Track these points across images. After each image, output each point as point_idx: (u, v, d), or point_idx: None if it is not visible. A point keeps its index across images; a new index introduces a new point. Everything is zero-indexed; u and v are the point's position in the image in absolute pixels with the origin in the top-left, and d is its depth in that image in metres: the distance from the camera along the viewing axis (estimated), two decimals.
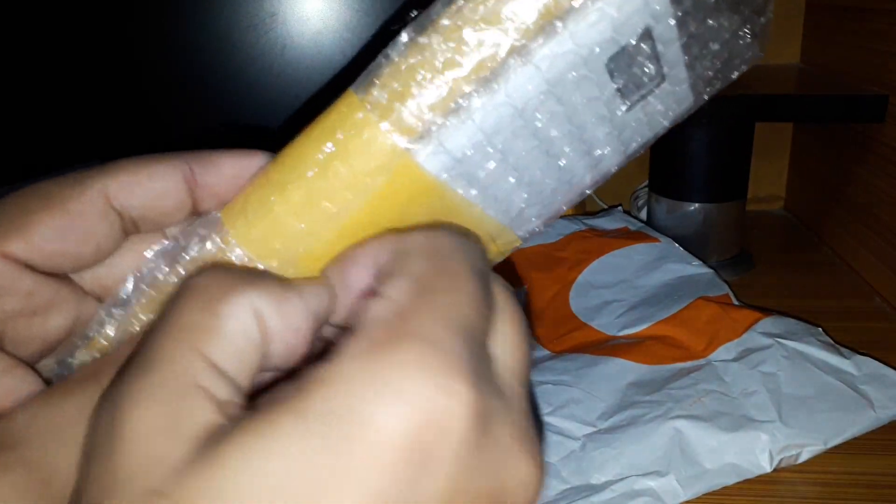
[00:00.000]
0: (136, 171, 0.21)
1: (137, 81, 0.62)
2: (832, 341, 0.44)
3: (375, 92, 0.18)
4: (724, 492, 0.36)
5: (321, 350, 0.17)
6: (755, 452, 0.36)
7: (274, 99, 0.61)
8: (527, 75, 0.18)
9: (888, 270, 0.55)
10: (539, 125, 0.19)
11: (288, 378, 0.15)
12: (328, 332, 0.19)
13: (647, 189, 0.66)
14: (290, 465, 0.13)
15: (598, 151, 0.21)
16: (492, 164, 0.19)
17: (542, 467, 0.16)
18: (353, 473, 0.13)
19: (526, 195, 0.21)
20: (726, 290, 0.50)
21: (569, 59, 0.18)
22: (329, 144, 0.18)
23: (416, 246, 0.17)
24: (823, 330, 0.45)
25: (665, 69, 0.20)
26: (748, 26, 0.20)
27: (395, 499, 0.13)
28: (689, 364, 0.43)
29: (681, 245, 0.55)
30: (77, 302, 0.21)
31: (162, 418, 0.14)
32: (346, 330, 0.15)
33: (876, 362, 0.41)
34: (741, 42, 0.21)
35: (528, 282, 0.54)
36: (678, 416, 0.38)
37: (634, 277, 0.53)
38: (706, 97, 0.22)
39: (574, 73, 0.18)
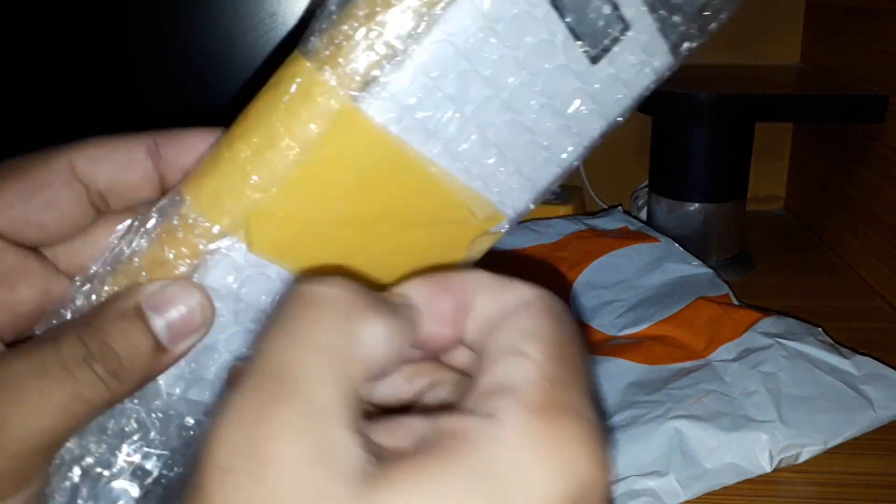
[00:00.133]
0: (101, 145, 0.21)
1: (137, 81, 0.62)
2: (832, 341, 0.44)
3: (316, 44, 0.18)
4: (724, 492, 0.36)
5: None
6: (755, 452, 0.36)
7: None
8: (461, 9, 0.18)
9: (888, 270, 0.55)
10: (489, 70, 0.19)
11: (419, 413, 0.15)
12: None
13: (647, 189, 0.66)
14: None
15: (571, 110, 0.21)
16: (446, 115, 0.19)
17: None
18: None
19: (495, 157, 0.20)
20: (726, 290, 0.50)
21: None
22: (274, 99, 0.19)
23: (535, 302, 0.17)
24: (823, 330, 0.45)
25: (625, 13, 0.20)
26: None
27: None
28: (689, 364, 0.43)
29: (681, 245, 0.55)
30: (47, 276, 0.22)
31: (313, 449, 0.13)
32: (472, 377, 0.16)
33: (876, 362, 0.41)
34: None
35: (528, 282, 0.54)
36: (678, 416, 0.38)
37: (634, 277, 0.53)
38: (685, 51, 0.21)
39: (513, 8, 0.18)
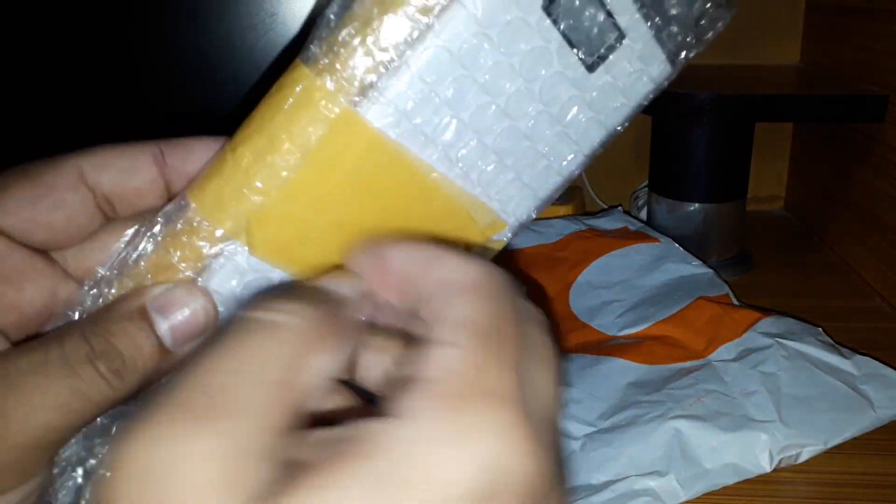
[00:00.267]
0: (108, 152, 0.22)
1: (137, 82, 0.62)
2: (832, 341, 0.44)
3: (316, 52, 0.18)
4: (724, 492, 0.36)
5: None
6: (755, 452, 0.36)
7: None
8: (456, 16, 0.18)
9: (888, 270, 0.55)
10: (485, 76, 0.19)
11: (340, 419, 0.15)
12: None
13: (647, 189, 0.66)
14: None
15: (569, 117, 0.21)
16: (443, 121, 0.19)
17: None
18: None
19: (494, 164, 0.21)
20: (726, 290, 0.50)
21: None
22: (276, 105, 0.19)
23: (466, 282, 0.16)
24: (823, 330, 0.45)
25: (620, 22, 0.20)
26: None
27: None
28: (689, 364, 0.43)
29: (681, 245, 0.55)
30: (54, 278, 0.22)
31: (224, 473, 0.13)
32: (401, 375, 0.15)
33: (876, 362, 0.41)
34: None
35: (528, 282, 0.54)
36: (678, 416, 0.38)
37: (634, 277, 0.53)
38: (682, 61, 0.22)
39: (506, 15, 0.18)
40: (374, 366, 0.21)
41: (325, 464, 0.13)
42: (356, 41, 0.18)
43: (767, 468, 0.36)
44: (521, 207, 0.22)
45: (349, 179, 0.19)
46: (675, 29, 0.21)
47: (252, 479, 0.13)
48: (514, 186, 0.21)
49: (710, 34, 0.21)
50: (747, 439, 0.37)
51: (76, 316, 0.21)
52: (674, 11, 0.21)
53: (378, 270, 0.18)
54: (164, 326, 0.20)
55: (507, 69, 0.19)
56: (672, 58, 0.22)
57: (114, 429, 0.21)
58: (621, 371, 0.43)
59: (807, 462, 0.37)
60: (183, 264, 0.20)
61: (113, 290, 0.21)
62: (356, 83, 0.18)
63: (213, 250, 0.20)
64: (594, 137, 0.22)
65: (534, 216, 0.23)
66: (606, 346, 0.46)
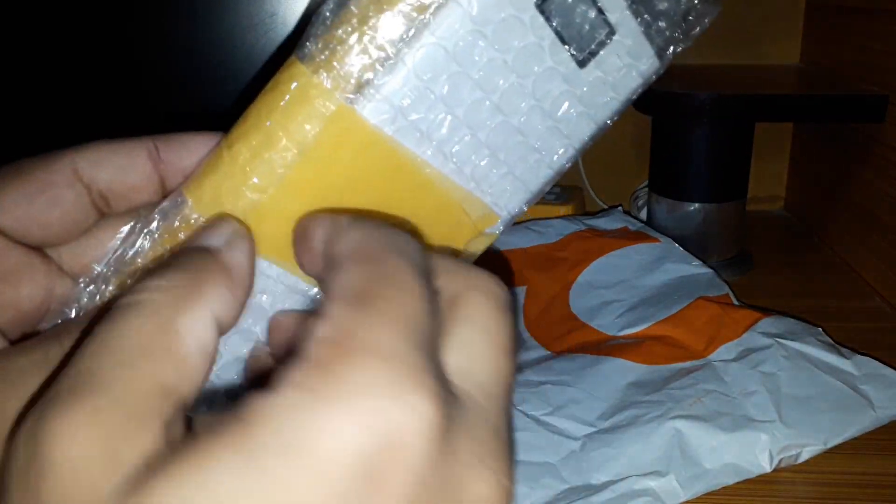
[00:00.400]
0: (103, 148, 0.22)
1: (137, 82, 0.62)
2: (832, 341, 0.44)
3: (312, 49, 0.19)
4: (724, 492, 0.36)
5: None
6: (755, 452, 0.36)
7: None
8: (451, 14, 0.18)
9: (888, 270, 0.55)
10: (479, 73, 0.19)
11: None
12: None
13: (647, 189, 0.66)
14: (227, 500, 0.12)
15: (560, 112, 0.21)
16: (438, 117, 0.19)
17: (507, 487, 0.14)
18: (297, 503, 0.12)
19: (488, 158, 0.21)
20: (726, 290, 0.50)
21: None
22: (272, 102, 0.19)
23: (347, 250, 0.16)
24: (823, 330, 0.45)
25: (610, 18, 0.20)
26: None
27: None
28: (688, 364, 0.43)
29: (681, 245, 0.55)
30: (50, 276, 0.22)
31: (101, 445, 0.13)
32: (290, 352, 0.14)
33: (876, 362, 0.41)
34: None
35: (528, 282, 0.54)
36: (678, 416, 0.38)
37: (634, 277, 0.53)
38: (670, 56, 0.22)
39: (501, 12, 0.19)
40: None
41: (205, 438, 0.13)
42: (352, 38, 0.18)
43: (767, 468, 0.36)
44: (513, 201, 0.22)
45: (345, 176, 0.20)
46: (663, 24, 0.21)
47: (129, 455, 0.13)
48: (507, 180, 0.22)
49: (697, 29, 0.22)
50: (747, 439, 0.37)
51: (73, 313, 0.21)
52: (662, 7, 0.21)
53: (302, 246, 0.19)
54: None
55: (500, 65, 0.19)
56: (660, 53, 0.22)
57: None
58: (621, 371, 0.43)
59: (807, 462, 0.37)
60: None
61: (111, 288, 0.21)
62: (352, 80, 0.18)
63: None
64: (584, 131, 0.22)
65: (525, 209, 0.23)
66: (606, 346, 0.46)
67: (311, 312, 0.16)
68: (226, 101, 0.61)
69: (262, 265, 0.21)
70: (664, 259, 0.54)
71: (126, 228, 0.22)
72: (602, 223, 0.60)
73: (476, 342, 0.16)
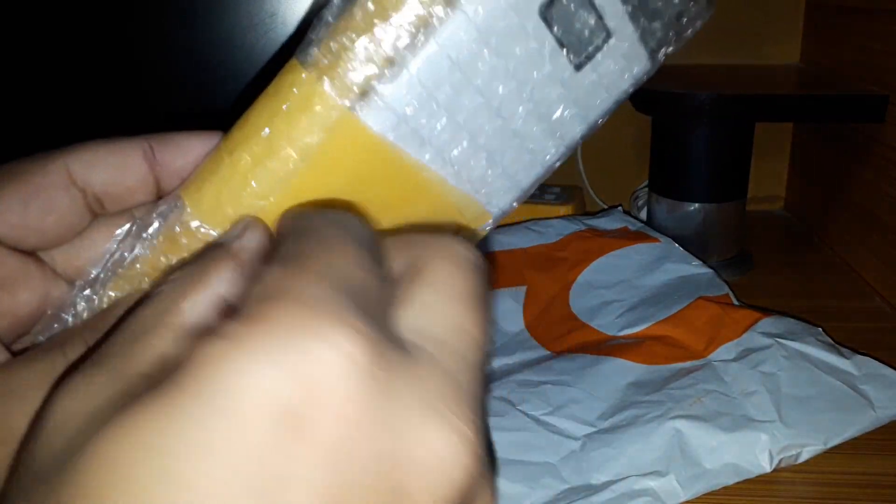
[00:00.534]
0: (97, 149, 0.21)
1: (137, 82, 0.62)
2: (832, 341, 0.44)
3: (314, 54, 0.18)
4: (724, 492, 0.36)
5: None
6: (755, 452, 0.36)
7: None
8: (456, 23, 0.18)
9: (888, 270, 0.55)
10: (481, 80, 0.19)
11: None
12: None
13: (647, 189, 0.66)
14: (155, 449, 0.12)
15: (556, 115, 0.21)
16: (440, 124, 0.19)
17: (468, 437, 0.14)
18: (217, 450, 0.12)
19: (485, 161, 0.21)
20: (726, 290, 0.50)
21: (496, 3, 0.18)
22: (274, 107, 0.19)
23: (290, 227, 0.17)
24: (823, 330, 0.45)
25: (608, 23, 0.20)
26: None
27: (267, 469, 0.12)
28: (688, 364, 0.43)
29: (681, 245, 0.55)
30: (45, 280, 0.22)
31: (87, 402, 0.14)
32: None
33: (876, 362, 0.41)
34: None
35: (528, 282, 0.54)
36: (678, 416, 0.38)
37: (634, 277, 0.53)
38: (662, 57, 0.22)
39: (505, 21, 0.19)
40: None
41: (151, 391, 0.13)
42: (356, 44, 0.18)
43: (767, 468, 0.36)
44: (505, 199, 0.23)
45: (347, 182, 0.20)
46: (657, 27, 0.21)
47: (98, 401, 0.14)
48: (501, 180, 0.22)
49: (689, 31, 0.22)
50: (747, 439, 0.37)
51: (70, 318, 0.21)
52: (657, 10, 0.21)
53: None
54: None
55: (501, 72, 0.20)
56: (652, 54, 0.22)
57: None
58: (621, 371, 0.43)
59: (807, 462, 0.37)
60: None
61: (110, 293, 0.21)
62: (355, 87, 0.18)
63: None
64: (576, 131, 0.22)
65: (515, 206, 0.23)
66: (606, 346, 0.46)
67: None
68: (226, 101, 0.61)
69: None
70: (664, 259, 0.54)
71: (121, 231, 0.22)
72: (602, 223, 0.60)
73: (436, 302, 0.16)
